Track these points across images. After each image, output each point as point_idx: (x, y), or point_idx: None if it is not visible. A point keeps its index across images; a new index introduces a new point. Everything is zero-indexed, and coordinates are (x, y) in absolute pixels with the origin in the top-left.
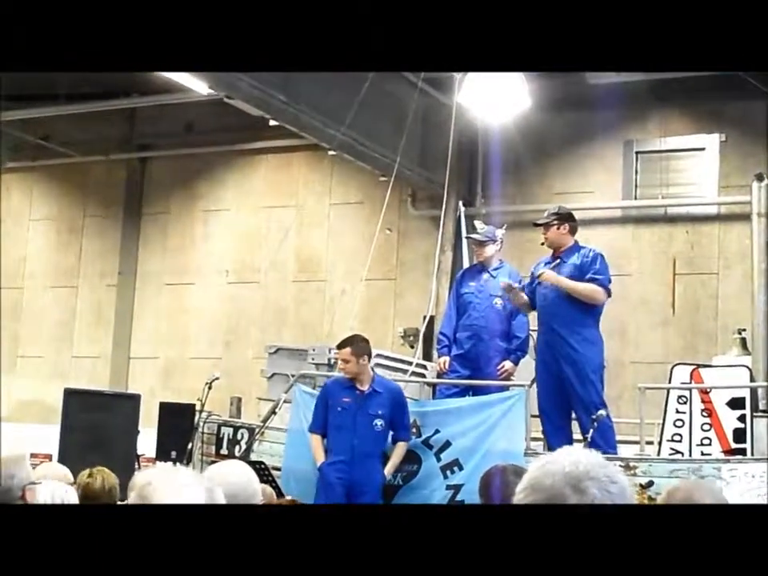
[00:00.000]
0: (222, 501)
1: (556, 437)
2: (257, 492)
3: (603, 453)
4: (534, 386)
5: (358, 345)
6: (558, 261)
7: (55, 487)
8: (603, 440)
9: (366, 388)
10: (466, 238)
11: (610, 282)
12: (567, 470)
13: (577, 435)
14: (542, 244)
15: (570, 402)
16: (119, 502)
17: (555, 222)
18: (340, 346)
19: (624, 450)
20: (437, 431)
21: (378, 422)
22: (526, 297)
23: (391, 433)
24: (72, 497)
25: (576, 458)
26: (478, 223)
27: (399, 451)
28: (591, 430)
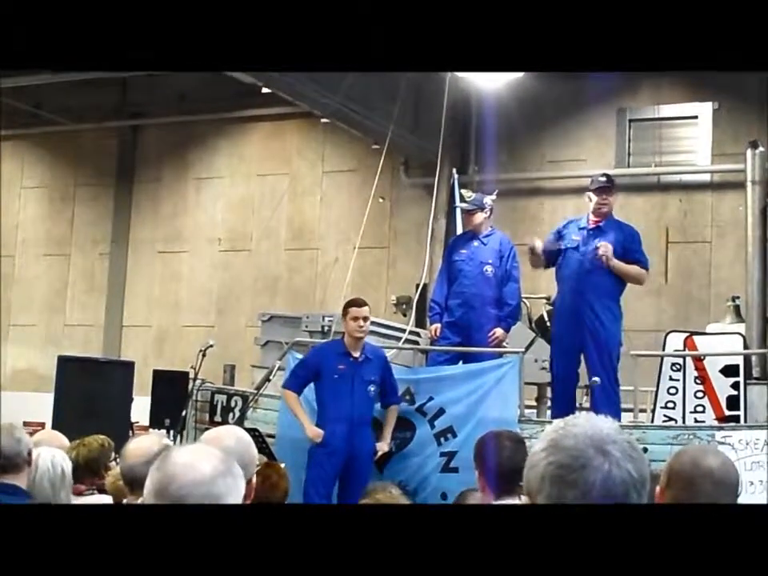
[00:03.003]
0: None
1: (564, 403)
2: (254, 458)
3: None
4: (528, 353)
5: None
6: (596, 229)
7: (55, 453)
8: (609, 409)
9: (358, 355)
10: (454, 207)
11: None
12: (590, 432)
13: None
14: (598, 210)
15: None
16: (111, 462)
17: (614, 189)
18: (362, 304)
19: None
20: (431, 398)
21: (372, 388)
22: (543, 259)
23: (380, 400)
24: (68, 463)
25: (597, 422)
26: (465, 192)
27: (393, 415)
28: (587, 396)
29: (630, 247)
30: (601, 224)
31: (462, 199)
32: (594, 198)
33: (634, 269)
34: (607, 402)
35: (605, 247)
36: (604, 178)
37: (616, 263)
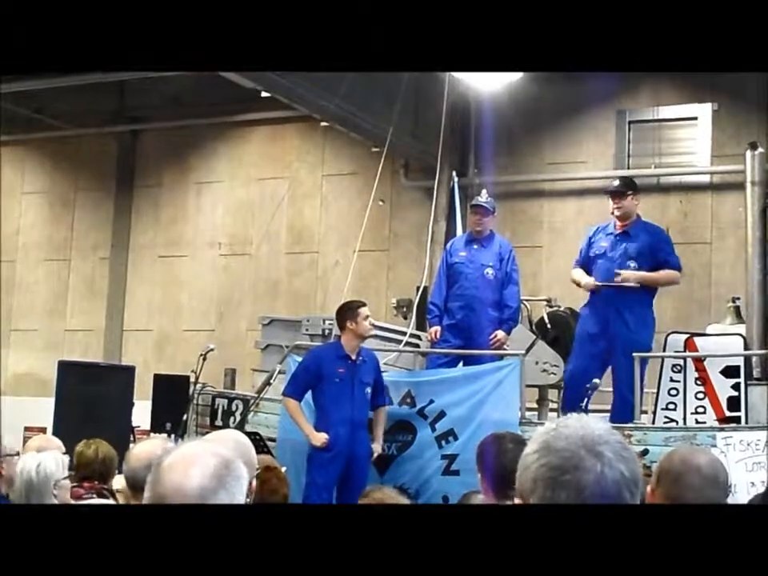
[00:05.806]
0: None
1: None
2: (253, 462)
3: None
4: (528, 355)
5: None
6: (623, 234)
7: (27, 459)
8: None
9: (355, 357)
10: (473, 206)
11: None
12: (582, 433)
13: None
14: (613, 214)
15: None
16: (117, 474)
17: (630, 192)
18: (366, 304)
19: None
20: (431, 401)
21: (368, 390)
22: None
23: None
24: (50, 466)
25: (588, 422)
26: (484, 192)
27: (383, 416)
28: (587, 399)
29: (658, 249)
30: (627, 228)
31: (478, 198)
32: (610, 203)
33: (663, 274)
34: (624, 409)
35: (623, 277)
36: (617, 182)
37: (642, 276)
